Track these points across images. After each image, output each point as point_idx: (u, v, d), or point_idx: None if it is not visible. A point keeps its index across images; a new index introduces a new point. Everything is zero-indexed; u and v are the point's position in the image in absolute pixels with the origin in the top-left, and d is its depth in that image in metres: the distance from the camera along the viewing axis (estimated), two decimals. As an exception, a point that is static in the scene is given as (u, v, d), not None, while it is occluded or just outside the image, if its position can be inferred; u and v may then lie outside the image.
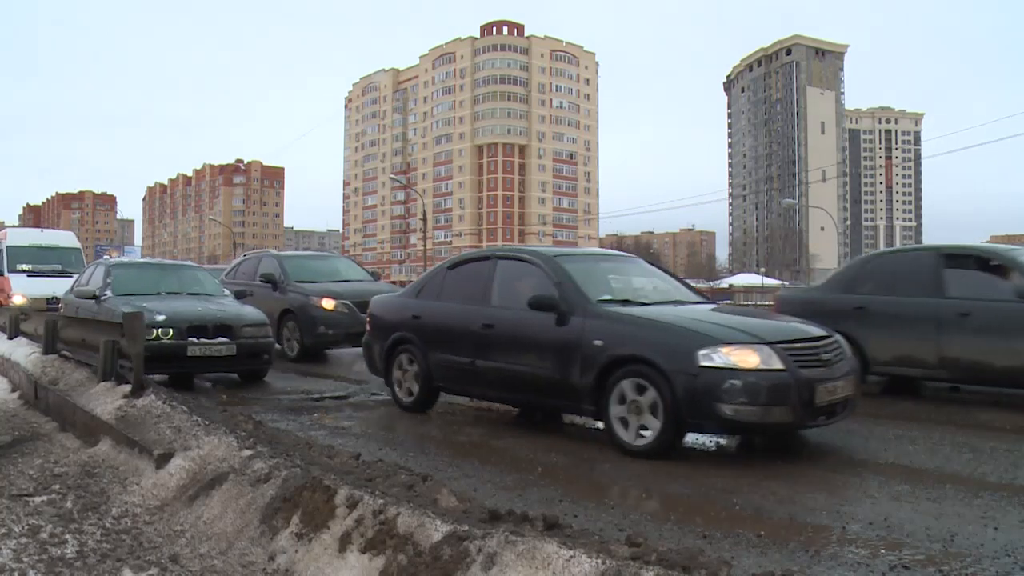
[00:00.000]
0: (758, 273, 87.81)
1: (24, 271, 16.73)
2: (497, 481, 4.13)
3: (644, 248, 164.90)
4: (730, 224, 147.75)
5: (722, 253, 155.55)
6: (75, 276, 14.98)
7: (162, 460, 4.04)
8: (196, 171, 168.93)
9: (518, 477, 4.23)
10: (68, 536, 3.32)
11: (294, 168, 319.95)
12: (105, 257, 9.41)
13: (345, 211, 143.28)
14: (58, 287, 14.07)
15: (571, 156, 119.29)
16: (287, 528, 2.97)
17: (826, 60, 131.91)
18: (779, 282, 74.74)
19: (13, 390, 7.87)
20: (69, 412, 5.84)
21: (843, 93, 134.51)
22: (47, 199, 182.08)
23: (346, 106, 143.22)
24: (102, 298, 8.62)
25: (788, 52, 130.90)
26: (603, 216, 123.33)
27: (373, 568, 2.54)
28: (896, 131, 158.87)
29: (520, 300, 5.53)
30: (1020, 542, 3.17)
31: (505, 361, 5.57)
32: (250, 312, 8.40)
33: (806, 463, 4.72)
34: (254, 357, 8.09)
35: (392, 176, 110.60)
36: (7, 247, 17.44)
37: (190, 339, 7.60)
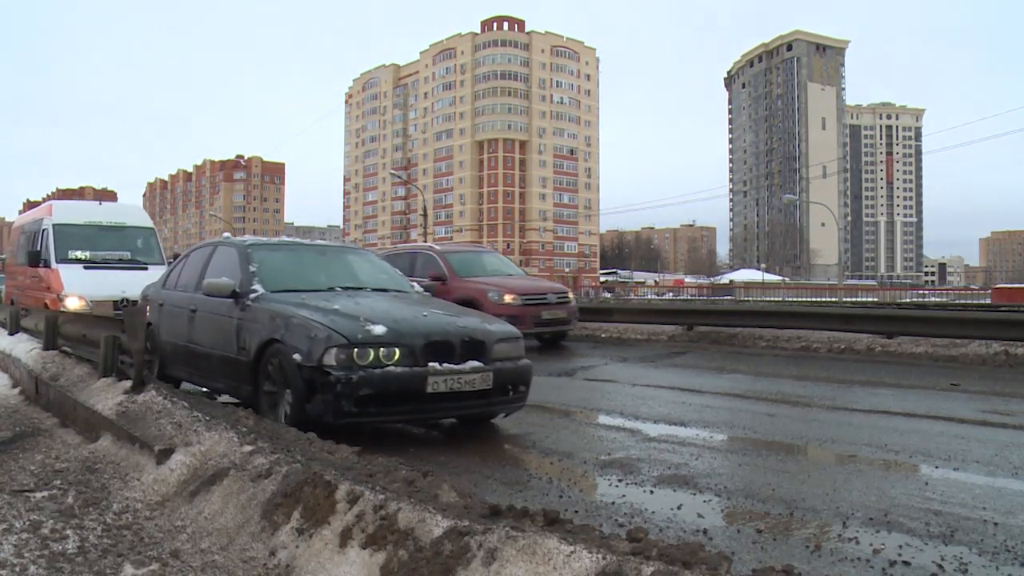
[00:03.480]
0: (759, 269, 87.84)
1: (79, 261, 11.90)
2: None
3: (645, 243, 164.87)
4: (731, 220, 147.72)
5: (723, 249, 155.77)
6: (150, 268, 11.72)
7: (163, 456, 4.04)
8: (196, 167, 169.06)
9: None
10: (69, 532, 3.32)
11: (294, 164, 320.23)
12: (225, 235, 7.37)
13: (346, 207, 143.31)
14: (129, 284, 10.66)
15: (572, 152, 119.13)
16: (288, 523, 2.97)
17: (827, 56, 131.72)
18: (779, 278, 74.84)
19: (14, 386, 7.88)
20: (70, 408, 5.84)
21: (844, 89, 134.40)
22: (48, 194, 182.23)
23: (346, 102, 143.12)
24: (250, 296, 5.78)
25: (789, 48, 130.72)
26: (604, 212, 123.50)
27: (374, 563, 2.54)
28: (897, 127, 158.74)
29: None
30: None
31: None
32: (497, 322, 5.90)
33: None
34: (511, 390, 5.47)
35: (392, 172, 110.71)
36: (54, 227, 12.22)
37: (430, 365, 4.97)
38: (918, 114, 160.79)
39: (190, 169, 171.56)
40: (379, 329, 4.95)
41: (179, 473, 3.87)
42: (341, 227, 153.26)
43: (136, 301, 10.49)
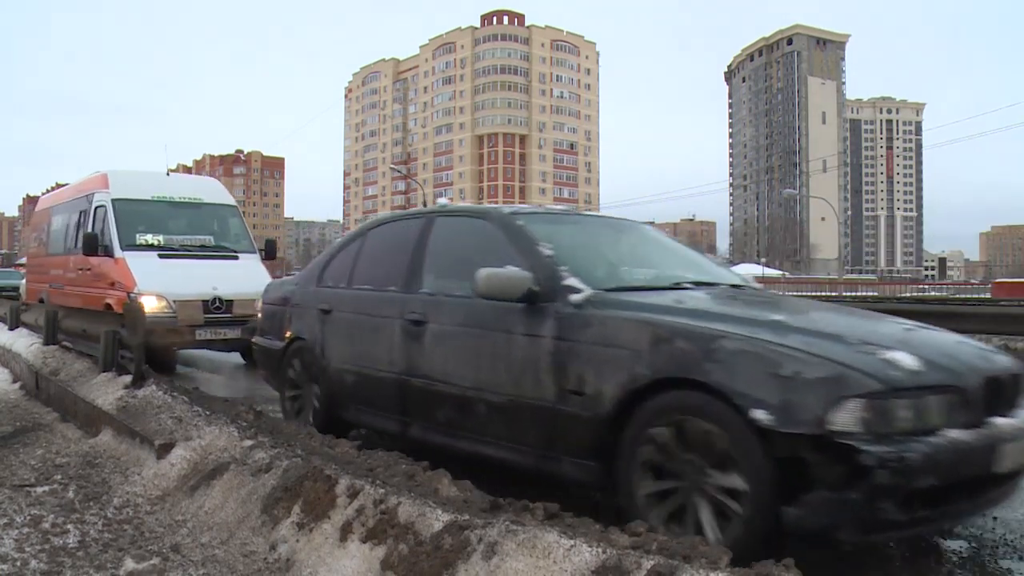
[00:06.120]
0: (759, 263, 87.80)
1: (152, 247, 9.15)
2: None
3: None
4: (731, 214, 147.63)
5: (723, 243, 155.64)
6: (241, 257, 9.55)
7: (163, 450, 4.04)
8: (196, 161, 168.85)
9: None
10: (70, 526, 3.33)
11: (294, 158, 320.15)
12: (441, 202, 4.67)
13: (346, 201, 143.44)
14: (220, 278, 8.58)
15: (572, 146, 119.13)
16: (288, 518, 2.97)
17: (827, 50, 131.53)
18: (780, 272, 74.81)
19: (14, 381, 7.87)
20: (70, 402, 5.84)
21: (844, 83, 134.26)
22: (47, 189, 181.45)
23: (346, 96, 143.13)
24: (570, 298, 3.42)
25: (789, 42, 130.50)
26: (604, 206, 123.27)
27: (374, 557, 2.54)
28: (897, 121, 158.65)
29: None
30: None
31: None
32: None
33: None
34: None
35: (392, 166, 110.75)
36: (114, 203, 9.36)
37: (991, 420, 2.78)
38: (918, 108, 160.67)
39: (190, 164, 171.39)
40: (909, 361, 2.73)
41: (179, 467, 3.87)
42: (341, 222, 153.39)
43: (231, 301, 8.50)
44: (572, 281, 3.49)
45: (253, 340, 5.84)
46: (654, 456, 2.93)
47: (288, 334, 5.23)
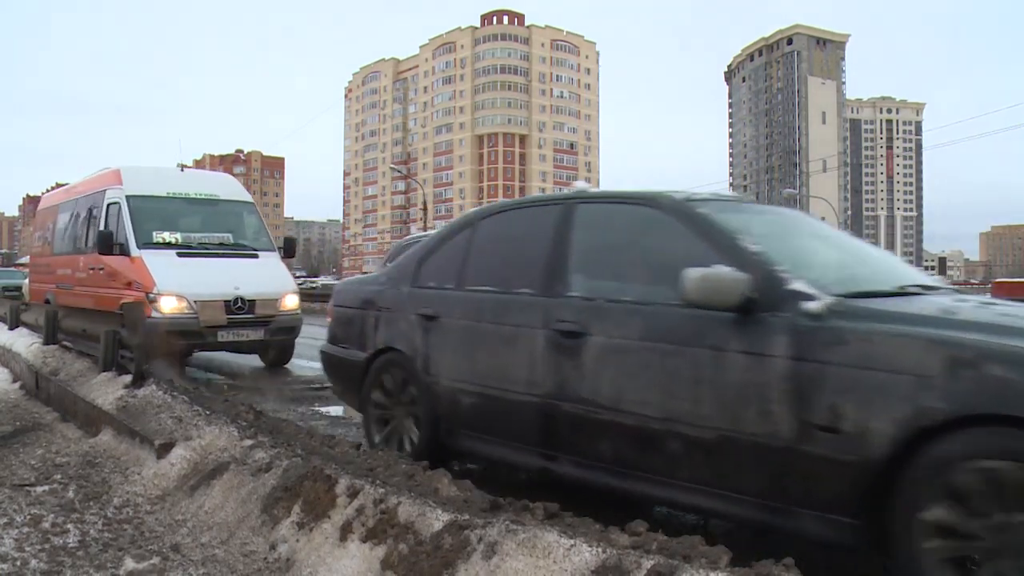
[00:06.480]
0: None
1: (169, 246, 8.78)
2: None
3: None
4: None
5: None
6: (260, 256, 9.24)
7: (163, 450, 4.04)
8: (196, 161, 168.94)
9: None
10: (70, 526, 3.33)
11: (294, 158, 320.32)
12: (579, 184, 4.05)
13: (346, 201, 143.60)
14: (242, 277, 8.41)
15: (572, 146, 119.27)
16: (288, 518, 2.98)
17: (827, 49, 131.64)
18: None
19: (14, 380, 7.87)
20: (70, 402, 5.84)
21: (844, 83, 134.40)
22: (47, 189, 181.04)
23: (346, 96, 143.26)
24: (802, 308, 2.66)
25: (789, 42, 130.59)
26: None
27: (374, 557, 2.55)
28: (897, 121, 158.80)
29: None
30: None
31: None
32: None
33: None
34: None
35: (392, 166, 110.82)
36: (128, 199, 8.99)
37: None
38: (918, 108, 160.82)
39: (190, 163, 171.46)
40: None
41: (179, 467, 3.87)
42: (341, 221, 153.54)
43: (253, 301, 8.28)
44: (799, 285, 2.73)
45: (322, 350, 5.06)
46: (951, 539, 2.22)
47: (375, 344, 4.43)
